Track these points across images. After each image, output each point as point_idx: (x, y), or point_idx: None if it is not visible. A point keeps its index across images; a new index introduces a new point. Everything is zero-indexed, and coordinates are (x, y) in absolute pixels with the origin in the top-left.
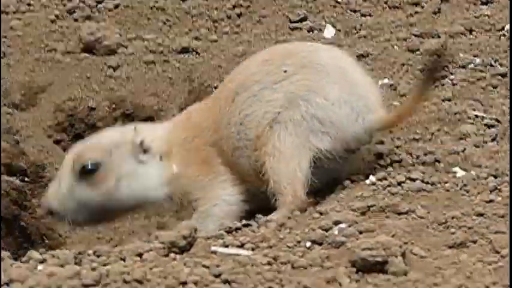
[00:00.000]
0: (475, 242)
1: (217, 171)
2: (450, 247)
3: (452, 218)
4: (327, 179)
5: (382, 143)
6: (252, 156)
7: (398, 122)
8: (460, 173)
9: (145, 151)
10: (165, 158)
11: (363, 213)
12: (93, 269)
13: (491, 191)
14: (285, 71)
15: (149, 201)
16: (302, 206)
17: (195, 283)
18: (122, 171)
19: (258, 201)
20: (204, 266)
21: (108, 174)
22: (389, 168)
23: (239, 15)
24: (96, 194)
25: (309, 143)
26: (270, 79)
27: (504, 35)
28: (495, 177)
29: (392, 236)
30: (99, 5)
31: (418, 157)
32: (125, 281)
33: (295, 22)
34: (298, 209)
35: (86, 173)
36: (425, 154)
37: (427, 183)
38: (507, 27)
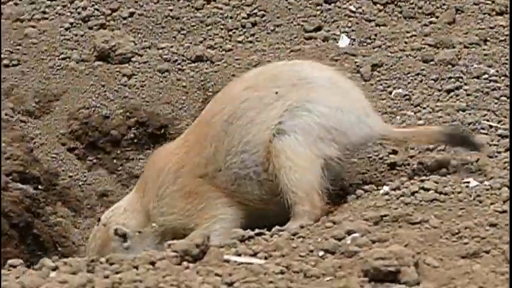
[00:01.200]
0: (488, 252)
1: (208, 198)
2: (463, 257)
3: (466, 228)
4: (338, 182)
5: (395, 153)
6: (263, 179)
7: (400, 142)
8: (473, 183)
9: (124, 238)
10: (145, 227)
11: (376, 223)
12: (106, 277)
13: (504, 202)
14: (277, 93)
15: None
16: (320, 215)
17: None
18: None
19: (258, 221)
20: (216, 274)
21: None
22: (403, 178)
23: (254, 24)
24: None
25: (319, 150)
26: (263, 103)
27: None
28: (508, 187)
29: (405, 245)
30: (114, 13)
31: (431, 167)
32: None
33: (310, 32)
34: (317, 218)
35: None
36: (438, 164)
37: (441, 193)
38: None
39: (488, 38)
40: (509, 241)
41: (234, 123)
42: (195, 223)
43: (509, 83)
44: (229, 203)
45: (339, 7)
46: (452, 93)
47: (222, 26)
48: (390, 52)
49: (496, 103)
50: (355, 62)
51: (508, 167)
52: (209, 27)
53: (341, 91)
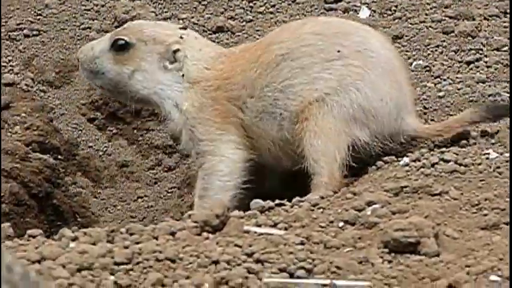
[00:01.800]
0: (507, 223)
1: (227, 129)
2: (483, 229)
3: (485, 199)
4: (360, 163)
5: None
6: (284, 126)
7: (434, 137)
8: (493, 154)
9: (173, 61)
10: (187, 81)
11: (396, 194)
12: (126, 247)
13: None
14: (339, 51)
15: (155, 104)
16: (338, 187)
17: (228, 262)
18: (142, 65)
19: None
20: (236, 245)
21: (131, 60)
22: (423, 150)
23: None
24: (114, 70)
25: (350, 130)
26: (322, 56)
27: None
28: None
29: (425, 217)
30: None
31: (451, 138)
32: (157, 260)
33: (330, 3)
34: (334, 190)
35: (117, 47)
36: (458, 136)
37: (461, 164)
38: None
39: (508, 10)
40: (509, 238)
41: (287, 61)
42: (203, 150)
43: None
44: (242, 146)
45: None
46: (472, 65)
47: None
48: (410, 24)
49: None
50: None
51: None
52: None
53: (395, 79)
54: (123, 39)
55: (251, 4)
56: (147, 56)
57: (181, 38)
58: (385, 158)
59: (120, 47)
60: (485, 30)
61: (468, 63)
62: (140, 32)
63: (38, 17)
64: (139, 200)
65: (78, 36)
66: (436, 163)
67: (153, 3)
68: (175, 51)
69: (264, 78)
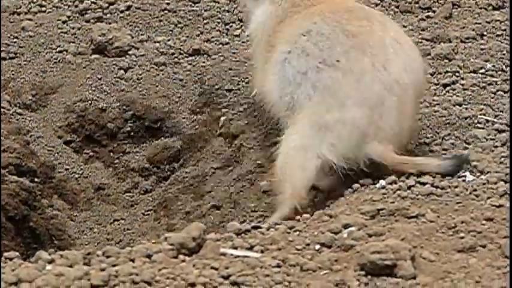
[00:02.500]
0: (484, 246)
1: None
2: (459, 251)
3: (462, 222)
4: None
5: None
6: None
7: (395, 170)
8: (469, 177)
9: None
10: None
11: (373, 217)
12: (102, 270)
13: (500, 196)
14: (338, 61)
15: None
16: (301, 202)
17: (204, 285)
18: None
19: None
20: (212, 267)
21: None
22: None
23: None
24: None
25: (319, 149)
26: (326, 53)
27: None
28: (505, 182)
29: (402, 239)
30: (111, 7)
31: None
32: (134, 282)
33: None
34: (297, 205)
35: None
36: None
37: (437, 187)
38: None
39: (485, 33)
40: (510, 235)
41: (302, 36)
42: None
43: (505, 78)
44: None
45: None
46: (449, 88)
47: (219, 20)
48: None
49: (492, 97)
50: None
51: (504, 161)
52: (206, 21)
53: (380, 106)
54: None
55: (227, 27)
56: None
57: None
58: (361, 181)
59: None
60: (462, 53)
61: (445, 85)
62: None
63: (15, 40)
64: (116, 222)
65: (54, 59)
66: (413, 186)
67: (130, 26)
68: None
69: (292, 38)
